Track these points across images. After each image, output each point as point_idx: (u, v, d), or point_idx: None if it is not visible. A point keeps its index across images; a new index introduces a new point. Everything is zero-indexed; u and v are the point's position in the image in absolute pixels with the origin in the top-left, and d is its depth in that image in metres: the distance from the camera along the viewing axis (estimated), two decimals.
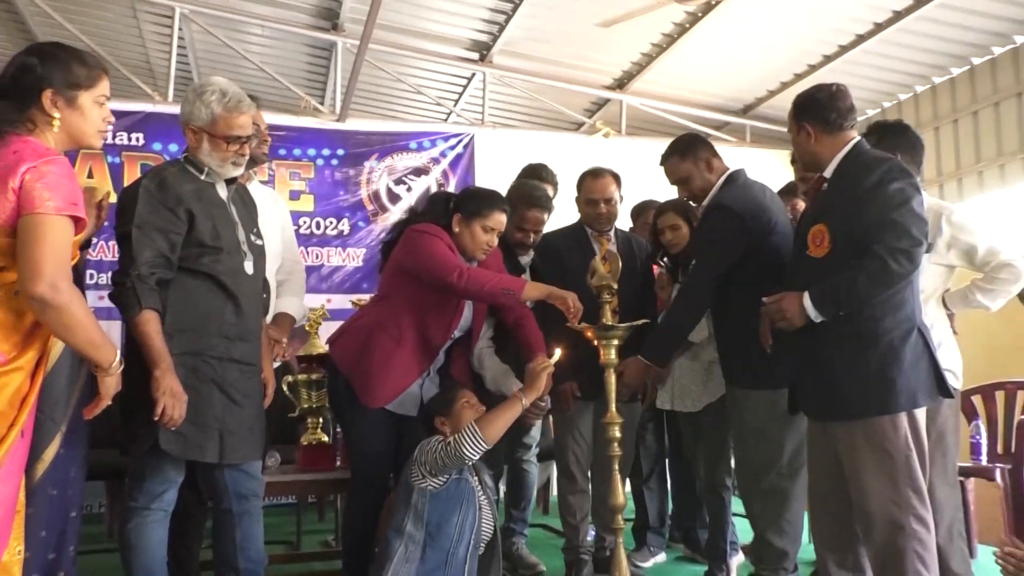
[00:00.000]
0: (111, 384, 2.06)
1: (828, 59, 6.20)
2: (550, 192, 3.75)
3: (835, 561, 2.54)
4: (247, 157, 2.58)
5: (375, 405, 2.78)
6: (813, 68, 6.36)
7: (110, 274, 2.53)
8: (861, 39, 5.87)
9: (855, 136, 2.58)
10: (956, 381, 2.86)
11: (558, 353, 2.71)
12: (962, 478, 3.86)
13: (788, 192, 3.79)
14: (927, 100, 6.59)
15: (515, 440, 3.64)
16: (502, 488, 4.25)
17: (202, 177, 2.51)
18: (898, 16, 5.52)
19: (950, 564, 2.75)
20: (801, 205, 3.67)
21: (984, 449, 3.82)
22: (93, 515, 4.77)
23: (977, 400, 4.05)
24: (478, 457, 2.58)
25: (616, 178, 3.61)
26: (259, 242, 2.65)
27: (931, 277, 2.78)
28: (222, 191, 2.56)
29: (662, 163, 3.16)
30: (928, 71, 6.35)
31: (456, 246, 2.87)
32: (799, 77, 6.51)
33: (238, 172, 2.59)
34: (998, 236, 2.97)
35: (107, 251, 5.42)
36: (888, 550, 2.36)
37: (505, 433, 2.73)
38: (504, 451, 3.56)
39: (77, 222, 1.91)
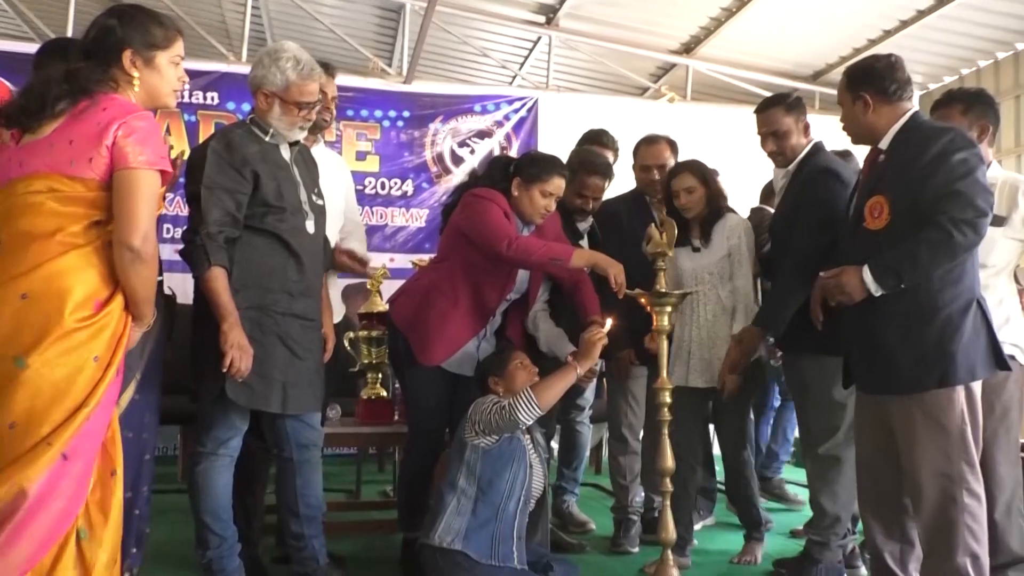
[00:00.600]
0: (139, 330, 2.11)
1: (904, 24, 6.00)
2: (611, 158, 3.77)
3: (882, 531, 2.56)
4: (312, 122, 2.69)
5: (430, 363, 2.89)
6: (888, 33, 6.16)
7: (182, 231, 2.66)
8: (940, 3, 5.66)
9: (911, 107, 2.57)
10: (1022, 356, 2.81)
11: (610, 323, 2.77)
12: None
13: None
14: (1008, 67, 6.35)
15: (568, 401, 3.71)
16: (555, 447, 4.34)
17: (267, 139, 2.62)
18: None
19: (1009, 541, 2.72)
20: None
21: None
22: (168, 457, 5.03)
23: None
24: (532, 422, 2.67)
25: (672, 145, 3.63)
26: (320, 202, 2.75)
27: (1004, 252, 2.74)
28: (285, 152, 2.67)
29: (759, 111, 3.13)
30: (1010, 37, 6.10)
31: (515, 209, 2.94)
32: (873, 43, 6.31)
33: (302, 136, 2.70)
34: None
35: (182, 207, 5.64)
36: (939, 523, 2.37)
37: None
38: (556, 411, 3.64)
39: (164, 175, 2.02)
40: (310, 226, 2.66)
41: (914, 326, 2.41)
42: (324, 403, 2.90)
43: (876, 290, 2.40)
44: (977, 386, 2.42)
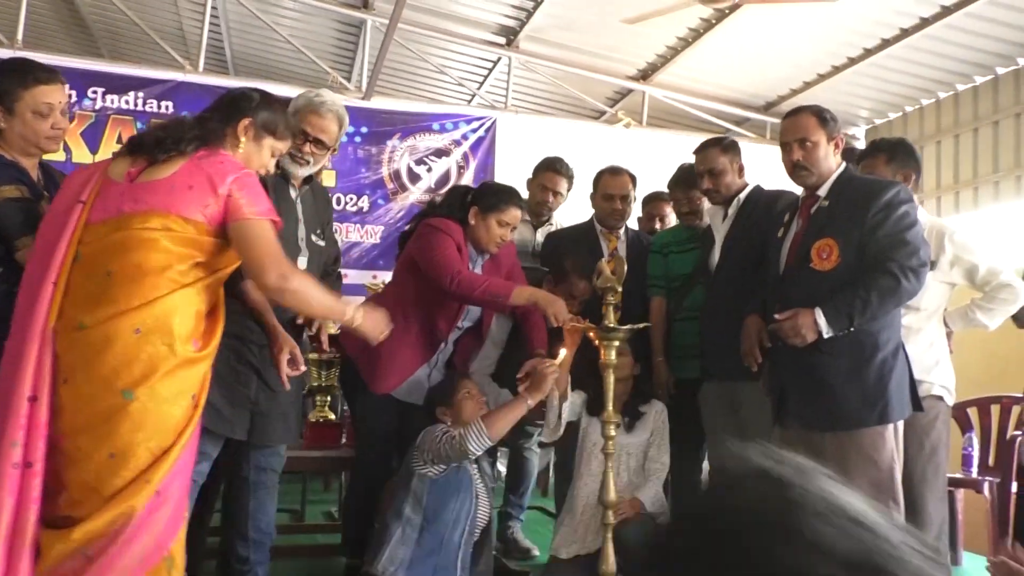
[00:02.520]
0: (368, 328, 2.32)
1: (853, 61, 6.19)
2: (565, 185, 3.91)
3: None
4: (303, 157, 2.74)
5: (381, 391, 2.90)
6: (837, 69, 6.35)
7: None
8: (887, 43, 5.86)
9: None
10: (949, 398, 2.95)
11: (563, 354, 2.81)
12: (952, 488, 3.96)
13: (656, 198, 4.03)
14: (949, 107, 6.60)
15: (517, 428, 3.74)
16: (501, 470, 4.36)
17: (278, 172, 2.67)
18: (925, 23, 5.51)
19: None
20: (669, 210, 3.89)
21: (975, 461, 3.89)
22: None
23: (973, 412, 4.12)
24: (480, 453, 2.70)
25: (633, 178, 3.74)
26: (320, 242, 2.81)
27: (935, 295, 2.85)
28: (293, 190, 2.74)
29: (698, 151, 3.24)
30: (951, 78, 6.33)
31: (471, 238, 2.98)
32: (823, 77, 6.51)
33: (302, 172, 2.74)
34: (998, 256, 3.05)
35: None
36: None
37: None
38: (504, 437, 3.67)
39: (275, 224, 2.13)
40: (302, 262, 2.71)
41: (857, 366, 2.52)
42: (298, 434, 2.92)
43: (827, 332, 2.50)
44: (900, 425, 2.54)
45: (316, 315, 2.23)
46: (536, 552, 3.77)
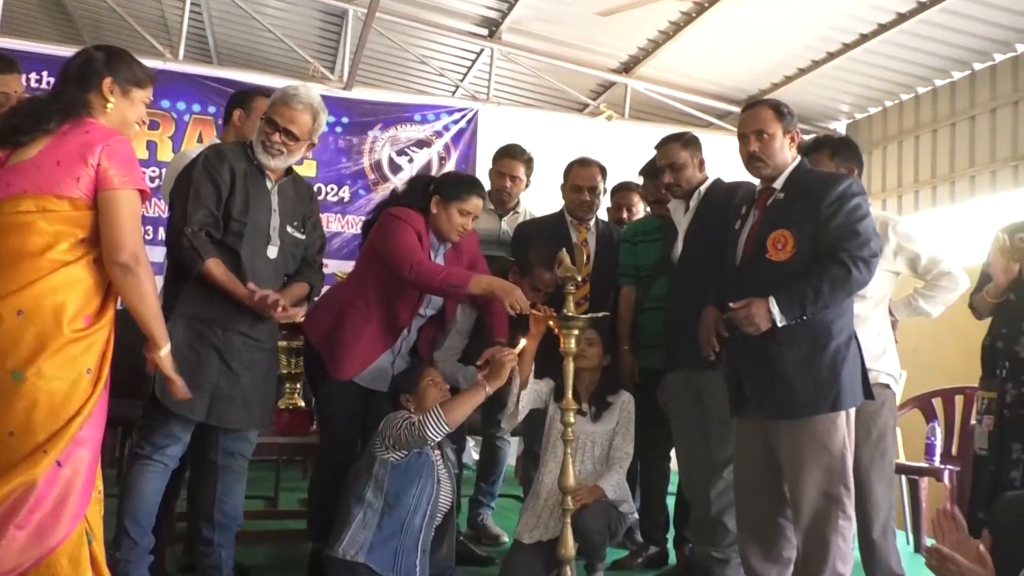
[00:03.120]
0: (167, 360, 2.27)
1: (832, 56, 6.24)
2: (522, 169, 3.94)
3: (760, 553, 2.70)
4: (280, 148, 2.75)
5: (342, 377, 2.93)
6: (817, 64, 6.40)
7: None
8: (865, 38, 5.91)
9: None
10: (896, 386, 3.02)
11: (523, 343, 2.84)
12: (916, 477, 4.03)
13: (624, 188, 4.08)
14: (927, 102, 6.64)
15: (489, 417, 3.79)
16: (472, 458, 4.40)
17: (255, 163, 2.73)
18: (902, 18, 5.56)
19: (888, 559, 2.91)
20: (637, 200, 3.96)
21: (938, 450, 3.95)
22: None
23: (937, 403, 4.19)
24: (439, 439, 2.73)
25: (602, 169, 3.78)
26: (298, 235, 2.84)
27: (880, 283, 2.90)
28: (268, 180, 2.77)
29: (659, 146, 3.30)
30: (929, 73, 6.38)
31: (433, 227, 3.01)
32: (803, 71, 6.55)
33: (276, 163, 2.75)
34: (939, 246, 3.11)
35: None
36: (814, 540, 2.54)
37: (480, 409, 2.93)
38: (471, 426, 3.71)
39: (143, 195, 2.13)
40: (272, 251, 2.75)
41: (811, 355, 2.58)
42: (266, 421, 2.93)
43: (781, 320, 2.54)
44: (852, 413, 2.60)
45: (144, 314, 2.14)
46: (505, 538, 3.82)
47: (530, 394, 3.03)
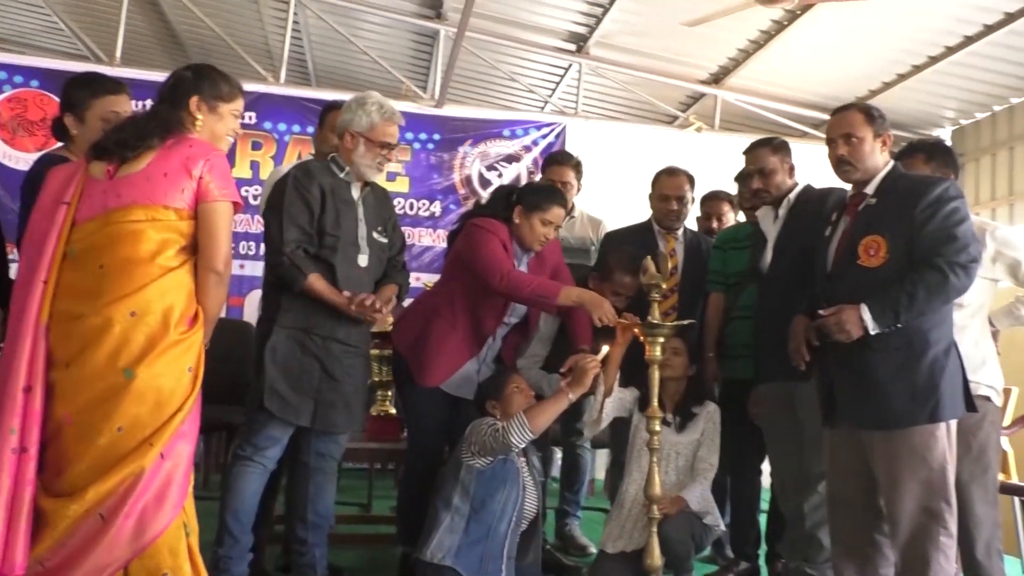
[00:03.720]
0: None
1: (934, 60, 6.01)
2: (571, 175, 3.95)
3: (855, 570, 2.60)
4: (389, 161, 2.95)
5: (427, 384, 3.01)
6: (918, 68, 6.17)
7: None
8: (969, 40, 5.67)
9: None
10: (997, 398, 2.87)
11: (605, 350, 2.85)
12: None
13: (714, 198, 4.05)
14: (1021, 113, 6.33)
15: (568, 426, 3.80)
16: (555, 470, 4.40)
17: (341, 175, 2.87)
18: (1010, 18, 5.31)
19: None
20: (727, 209, 3.88)
21: None
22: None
23: None
24: (523, 445, 2.76)
25: (690, 178, 3.76)
26: (382, 239, 2.96)
27: (978, 291, 2.78)
28: (355, 191, 2.91)
29: (747, 151, 3.27)
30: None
31: (515, 237, 3.07)
32: (902, 77, 6.33)
33: (377, 175, 2.93)
34: None
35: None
36: (914, 558, 2.44)
37: (559, 419, 2.93)
38: (554, 435, 3.73)
39: (236, 207, 2.26)
40: (363, 260, 2.88)
41: (907, 363, 2.49)
42: (361, 423, 3.10)
43: (873, 328, 2.47)
44: (954, 425, 2.49)
45: (213, 314, 2.25)
46: (592, 549, 3.79)
47: (614, 402, 3.03)
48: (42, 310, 2.09)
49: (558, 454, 4.51)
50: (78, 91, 2.59)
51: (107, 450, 2.03)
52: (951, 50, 5.83)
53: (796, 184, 3.19)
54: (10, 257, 2.86)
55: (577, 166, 3.98)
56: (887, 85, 6.51)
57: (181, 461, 2.11)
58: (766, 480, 3.47)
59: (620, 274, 3.24)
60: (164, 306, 2.11)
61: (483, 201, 3.34)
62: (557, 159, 4.01)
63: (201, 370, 2.19)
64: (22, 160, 5.69)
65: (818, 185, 3.24)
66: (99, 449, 2.03)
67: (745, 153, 3.28)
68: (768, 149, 3.19)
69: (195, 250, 2.20)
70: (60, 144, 2.67)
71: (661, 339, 2.78)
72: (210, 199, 2.18)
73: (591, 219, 4.25)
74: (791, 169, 3.19)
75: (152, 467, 2.05)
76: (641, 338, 2.79)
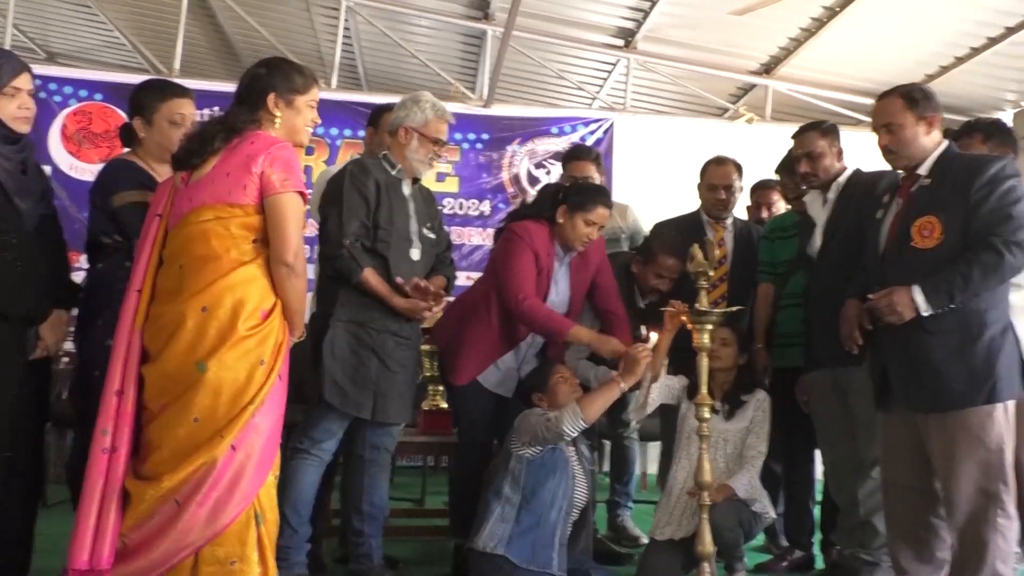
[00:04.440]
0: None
1: (993, 41, 5.84)
2: (593, 169, 3.87)
3: (913, 554, 2.57)
4: (439, 158, 3.06)
5: (459, 383, 3.08)
6: (976, 51, 6.00)
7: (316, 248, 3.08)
8: None
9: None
10: None
11: (654, 338, 2.85)
12: None
13: (763, 187, 3.99)
14: None
15: (614, 418, 3.80)
16: (605, 465, 4.39)
17: (393, 172, 2.97)
18: None
19: None
20: (777, 198, 3.82)
21: None
22: None
23: None
24: (576, 434, 2.78)
25: (738, 167, 3.74)
26: (431, 235, 3.06)
27: None
28: (407, 187, 3.01)
29: (796, 135, 3.25)
30: None
31: (559, 235, 3.10)
32: (960, 60, 6.16)
33: (427, 170, 3.03)
34: None
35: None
36: (971, 540, 2.41)
37: (606, 412, 2.96)
38: (601, 427, 3.73)
39: (303, 196, 2.31)
40: (415, 254, 2.97)
41: (963, 344, 2.46)
42: (413, 415, 3.19)
43: (926, 309, 2.45)
44: (1012, 405, 2.43)
45: (296, 309, 2.30)
46: (644, 540, 3.76)
47: (661, 388, 3.03)
48: (136, 316, 2.22)
49: (607, 448, 4.51)
50: (146, 95, 2.69)
51: (185, 440, 2.13)
52: (1011, 31, 5.65)
53: (845, 168, 3.15)
54: (76, 265, 2.99)
55: (597, 158, 3.97)
56: (944, 69, 6.33)
57: (253, 452, 2.17)
58: (818, 468, 3.43)
59: (664, 256, 3.28)
60: (234, 300, 2.18)
61: (529, 200, 3.36)
62: (576, 154, 3.98)
63: (279, 363, 2.24)
64: (87, 171, 5.91)
65: None
66: (178, 439, 2.13)
67: (793, 137, 3.26)
68: (817, 132, 3.15)
69: (267, 243, 2.25)
70: (127, 150, 2.78)
71: (709, 327, 2.77)
72: (273, 191, 2.22)
73: (617, 205, 4.22)
74: (840, 153, 3.15)
75: (224, 458, 2.12)
76: (689, 326, 2.79)
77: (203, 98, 5.63)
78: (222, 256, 2.19)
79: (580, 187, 3.24)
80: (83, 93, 6.13)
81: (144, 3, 7.33)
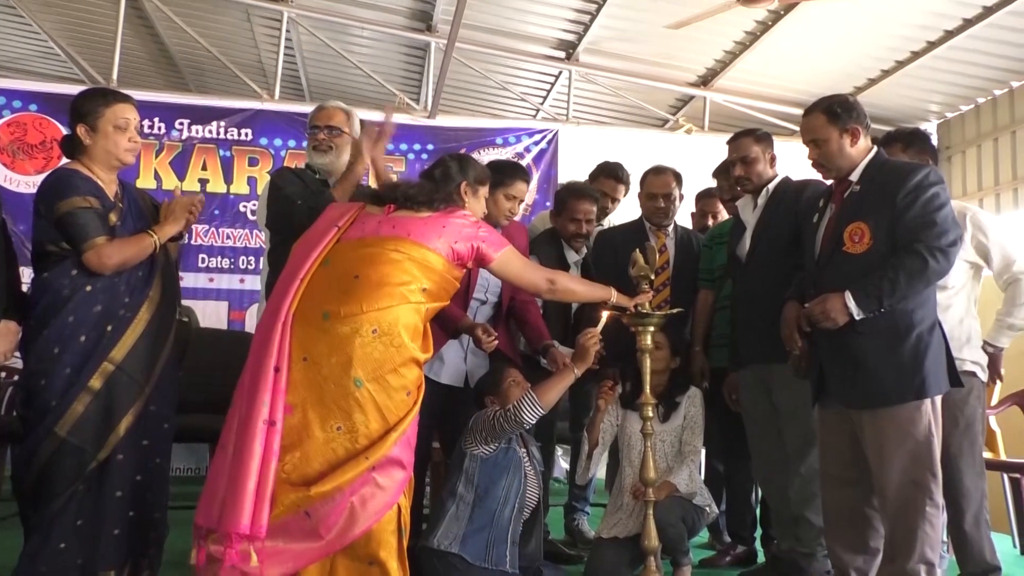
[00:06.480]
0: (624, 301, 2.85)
1: (916, 55, 6.13)
2: (623, 191, 4.06)
3: (848, 545, 2.68)
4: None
5: None
6: (901, 64, 6.29)
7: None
8: (949, 35, 5.78)
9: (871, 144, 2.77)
10: (983, 373, 2.95)
11: (605, 317, 2.88)
12: (1019, 475, 3.89)
13: (708, 195, 4.11)
14: (1004, 104, 6.45)
15: (575, 422, 3.86)
16: (563, 468, 4.45)
17: (317, 176, 3.11)
18: (988, 12, 5.42)
19: (981, 551, 2.83)
20: (721, 207, 3.95)
21: None
22: (200, 477, 5.24)
23: None
24: (535, 421, 2.83)
25: (677, 176, 3.83)
26: None
27: (959, 273, 2.87)
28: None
29: (731, 141, 3.34)
30: (1013, 72, 6.19)
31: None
32: (887, 73, 6.45)
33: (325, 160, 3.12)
34: (1013, 243, 3.01)
35: (216, 238, 5.98)
36: (901, 528, 2.52)
37: (568, 417, 2.99)
38: (561, 430, 3.80)
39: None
40: None
41: (893, 344, 2.56)
42: None
43: (858, 314, 2.55)
44: (939, 400, 2.56)
45: (582, 299, 2.78)
46: None
47: (600, 448, 3.21)
48: (292, 302, 2.33)
49: (558, 452, 4.59)
50: (89, 102, 2.66)
51: (323, 445, 2.23)
52: (933, 45, 5.95)
53: (776, 175, 3.27)
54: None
55: (627, 183, 4.16)
56: (872, 81, 6.62)
57: (395, 476, 2.29)
58: None
59: (573, 201, 3.47)
60: (399, 329, 2.32)
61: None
62: (615, 173, 4.16)
63: (420, 396, 2.39)
64: (22, 183, 5.79)
65: None
66: (315, 442, 2.22)
67: (729, 143, 3.36)
68: (751, 138, 3.27)
69: (435, 296, 2.44)
70: (67, 160, 2.72)
71: (651, 328, 2.86)
72: (490, 260, 2.56)
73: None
74: (773, 159, 3.27)
75: (361, 478, 2.22)
76: (631, 328, 2.88)
77: (143, 109, 5.61)
78: (399, 287, 2.35)
79: (496, 165, 3.27)
80: (17, 104, 6.01)
81: (80, 13, 7.23)
